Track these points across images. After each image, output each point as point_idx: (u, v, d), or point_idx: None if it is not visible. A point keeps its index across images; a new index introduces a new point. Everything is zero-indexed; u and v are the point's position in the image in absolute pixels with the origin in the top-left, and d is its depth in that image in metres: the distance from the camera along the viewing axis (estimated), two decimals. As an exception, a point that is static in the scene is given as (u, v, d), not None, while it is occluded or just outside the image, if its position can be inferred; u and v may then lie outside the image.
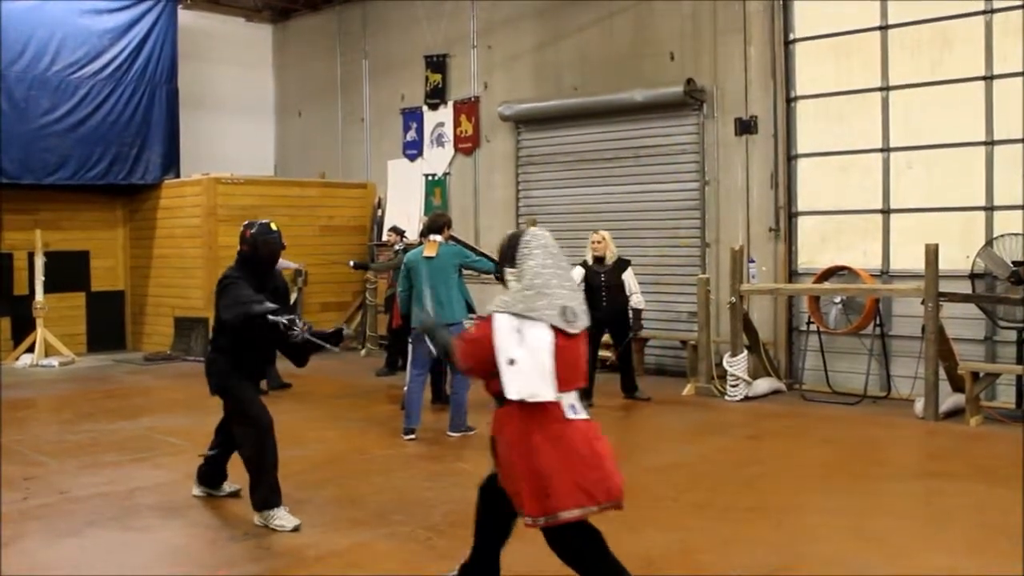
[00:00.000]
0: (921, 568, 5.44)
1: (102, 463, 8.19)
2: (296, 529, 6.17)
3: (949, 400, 9.78)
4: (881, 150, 11.07)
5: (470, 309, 9.48)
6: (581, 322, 4.45)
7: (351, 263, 14.29)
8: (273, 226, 6.51)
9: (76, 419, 10.29)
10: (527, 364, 4.30)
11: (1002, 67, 10.19)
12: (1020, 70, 10.07)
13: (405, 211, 15.86)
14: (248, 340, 6.34)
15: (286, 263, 12.81)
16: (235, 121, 17.66)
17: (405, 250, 12.56)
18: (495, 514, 4.83)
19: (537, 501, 4.34)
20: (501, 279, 10.09)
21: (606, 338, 10.88)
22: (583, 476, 4.33)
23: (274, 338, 6.27)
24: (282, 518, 6.24)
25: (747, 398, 10.74)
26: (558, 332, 4.36)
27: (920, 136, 10.76)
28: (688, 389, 11.24)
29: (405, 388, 9.39)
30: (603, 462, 4.41)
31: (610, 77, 13.28)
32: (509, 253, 4.59)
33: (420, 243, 10.20)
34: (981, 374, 9.65)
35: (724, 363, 10.93)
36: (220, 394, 6.59)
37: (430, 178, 15.89)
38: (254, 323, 6.07)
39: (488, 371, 4.41)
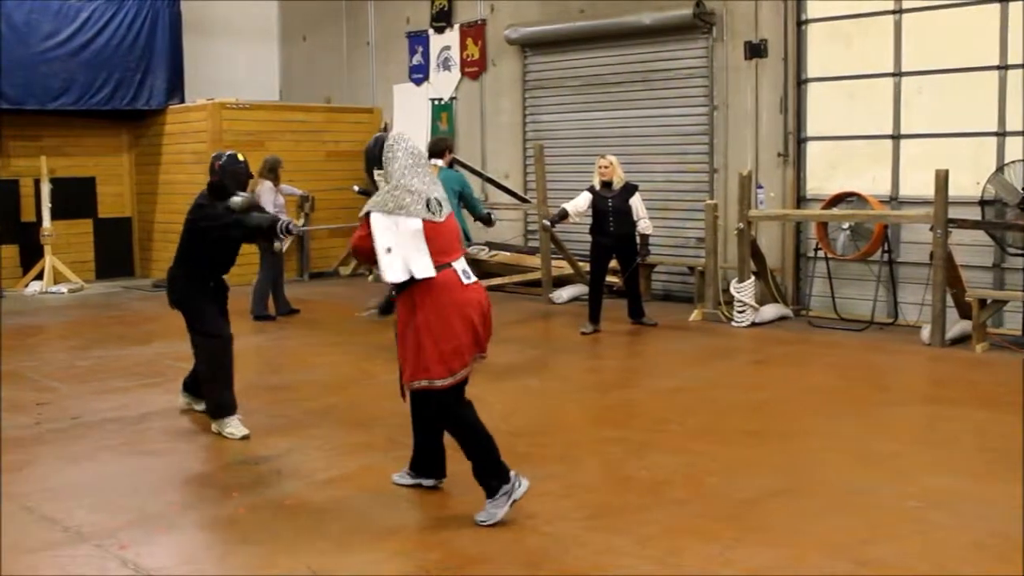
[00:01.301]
0: (923, 489, 5.51)
1: (112, 388, 8.26)
2: (246, 438, 6.61)
3: (956, 327, 9.79)
4: (892, 74, 10.94)
5: (466, 238, 9.47)
6: (445, 210, 5.09)
7: (355, 188, 14.23)
8: (240, 156, 6.92)
9: (86, 345, 10.36)
10: (402, 250, 4.93)
11: (1017, -11, 10.03)
12: (1035, -8, 9.92)
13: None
14: (215, 258, 6.90)
15: (291, 189, 12.78)
16: (240, 45, 17.48)
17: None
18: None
19: (443, 364, 4.97)
20: (487, 222, 10.25)
21: (613, 263, 10.86)
22: (467, 340, 5.05)
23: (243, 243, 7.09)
24: (233, 426, 6.70)
25: (754, 324, 10.76)
26: (426, 220, 4.99)
27: (932, 60, 10.62)
28: (695, 315, 11.26)
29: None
30: (487, 320, 5.19)
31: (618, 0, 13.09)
32: (376, 156, 5.17)
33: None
34: (988, 301, 9.65)
35: (731, 289, 10.95)
36: (179, 307, 6.96)
37: (436, 103, 15.76)
38: (264, 232, 6.68)
39: (374, 260, 5.04)
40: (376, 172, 5.15)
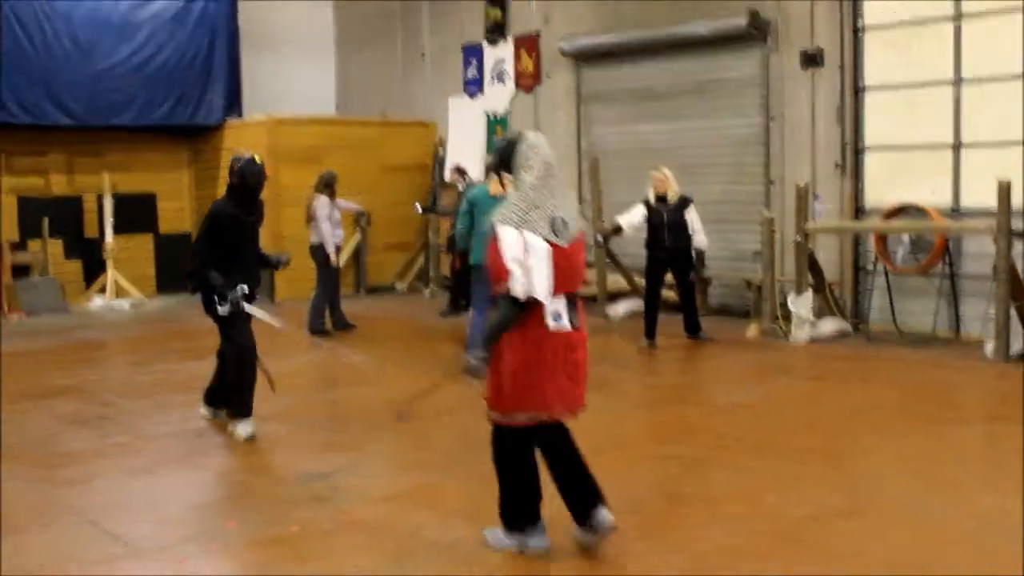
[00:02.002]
0: (982, 509, 5.39)
1: (173, 403, 8.37)
2: (251, 438, 7.00)
3: (1020, 341, 9.57)
4: (952, 82, 10.75)
5: None
6: (571, 231, 4.61)
7: (418, 208, 14.33)
8: (257, 159, 7.19)
9: (147, 359, 10.52)
10: (529, 266, 4.47)
11: (1083, -6, 9.83)
12: (1101, -3, 9.71)
13: (467, 149, 15.80)
14: (231, 260, 7.07)
15: (348, 204, 12.83)
16: (296, 59, 17.65)
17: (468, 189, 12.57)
18: (553, 456, 4.93)
19: (495, 396, 4.66)
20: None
21: (668, 277, 10.79)
22: (543, 384, 4.62)
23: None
24: (241, 427, 7.08)
25: (812, 339, 10.62)
26: (551, 243, 4.53)
27: (993, 67, 10.41)
28: (752, 329, 11.14)
29: (469, 328, 9.45)
30: (576, 371, 4.75)
31: (672, 10, 13.01)
32: (505, 159, 4.70)
33: (484, 182, 10.18)
34: (1054, 313, 9.45)
35: (788, 303, 10.81)
36: (211, 314, 7.22)
37: (491, 116, 15.79)
38: (200, 286, 7.12)
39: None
40: (505, 175, 4.72)
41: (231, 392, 7.26)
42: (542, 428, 4.74)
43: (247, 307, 7.10)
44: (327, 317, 11.77)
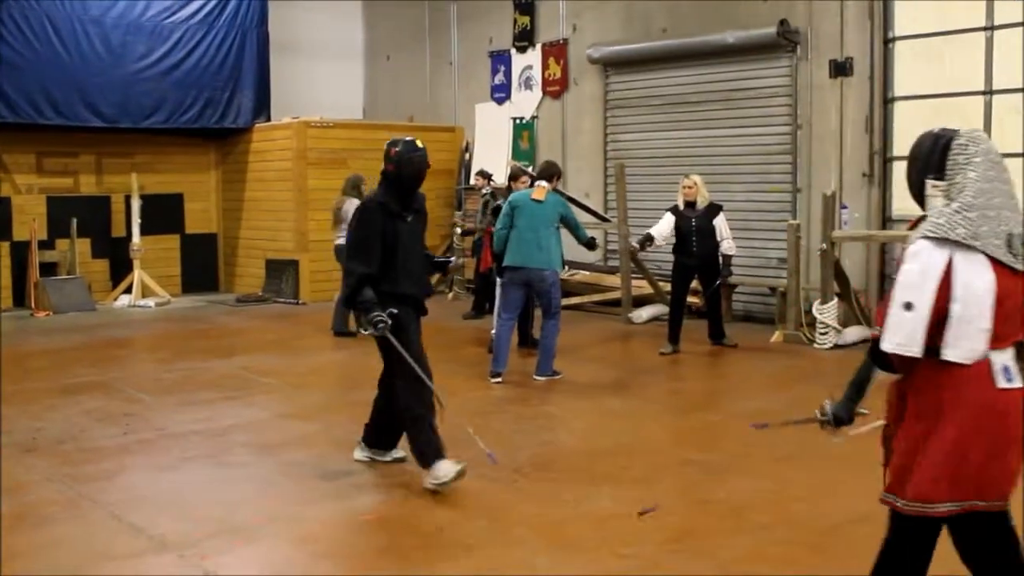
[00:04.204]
0: (1015, 513, 5.32)
1: (197, 401, 8.41)
2: (461, 473, 5.81)
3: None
4: (983, 92, 10.68)
5: (563, 261, 9.51)
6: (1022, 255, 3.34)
7: (457, 230, 14.30)
8: (419, 143, 6.06)
9: (172, 358, 10.57)
10: (966, 311, 3.26)
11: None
12: None
13: (493, 155, 15.82)
14: (388, 265, 5.86)
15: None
16: (325, 65, 17.74)
17: (492, 194, 12.58)
18: (987, 553, 3.58)
19: (904, 477, 3.52)
20: (591, 247, 9.91)
21: (695, 284, 10.77)
22: (988, 462, 3.36)
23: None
24: (443, 469, 5.80)
25: (836, 346, 10.56)
26: (999, 269, 3.29)
27: (1025, 78, 10.36)
28: (776, 336, 11.09)
29: (493, 331, 9.46)
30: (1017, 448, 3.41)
31: (701, 18, 13.01)
32: (936, 160, 3.44)
33: (509, 188, 10.20)
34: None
35: (813, 310, 10.76)
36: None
37: (518, 121, 15.81)
38: (354, 301, 5.84)
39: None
40: (931, 183, 3.43)
41: (409, 432, 6.01)
42: (969, 519, 3.45)
43: (392, 338, 5.83)
44: (351, 319, 11.79)
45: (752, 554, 4.92)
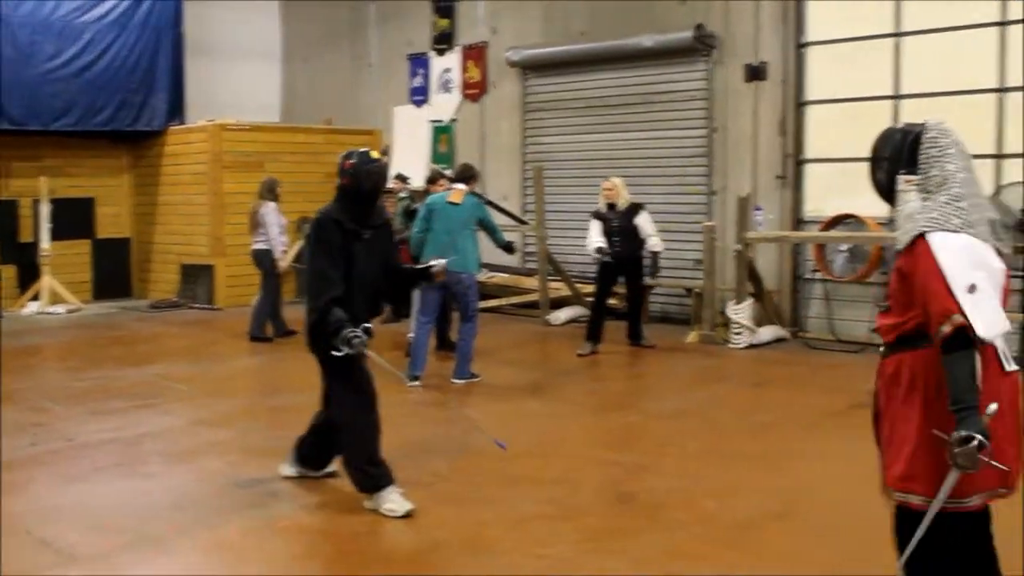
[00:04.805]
0: None
1: (109, 409, 8.23)
2: (410, 513, 5.49)
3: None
4: (892, 97, 10.96)
5: (480, 264, 9.50)
6: (1007, 240, 3.50)
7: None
8: (374, 154, 5.77)
9: (83, 366, 10.33)
10: (988, 291, 3.16)
11: (1017, 13, 10.06)
12: (1034, 15, 9.97)
13: (411, 158, 15.77)
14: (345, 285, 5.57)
15: (276, 236, 12.31)
16: (241, 66, 17.50)
17: (410, 197, 12.53)
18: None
19: (927, 475, 3.26)
20: (509, 250, 9.84)
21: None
22: (1004, 450, 3.20)
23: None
24: (392, 501, 5.52)
25: (751, 346, 10.74)
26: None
27: (931, 83, 10.63)
28: (692, 336, 11.24)
29: (410, 335, 9.43)
30: (1020, 434, 3.34)
31: (619, 22, 13.13)
32: (908, 154, 3.40)
33: (427, 191, 10.19)
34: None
35: (728, 311, 10.93)
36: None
37: (436, 124, 15.79)
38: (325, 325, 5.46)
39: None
40: (904, 178, 3.40)
41: (351, 454, 5.68)
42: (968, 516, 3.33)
43: (372, 354, 5.72)
44: (268, 324, 11.67)
45: (667, 551, 4.97)
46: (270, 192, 11.65)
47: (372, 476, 5.56)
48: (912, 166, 3.38)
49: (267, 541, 5.20)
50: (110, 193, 16.15)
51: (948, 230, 3.22)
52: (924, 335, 3.26)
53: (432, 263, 6.22)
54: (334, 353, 5.36)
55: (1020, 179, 9.82)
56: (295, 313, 12.68)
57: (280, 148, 15.14)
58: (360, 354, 5.53)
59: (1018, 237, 9.60)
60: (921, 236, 3.26)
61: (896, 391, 3.37)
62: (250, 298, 12.04)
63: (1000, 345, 3.27)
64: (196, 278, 14.97)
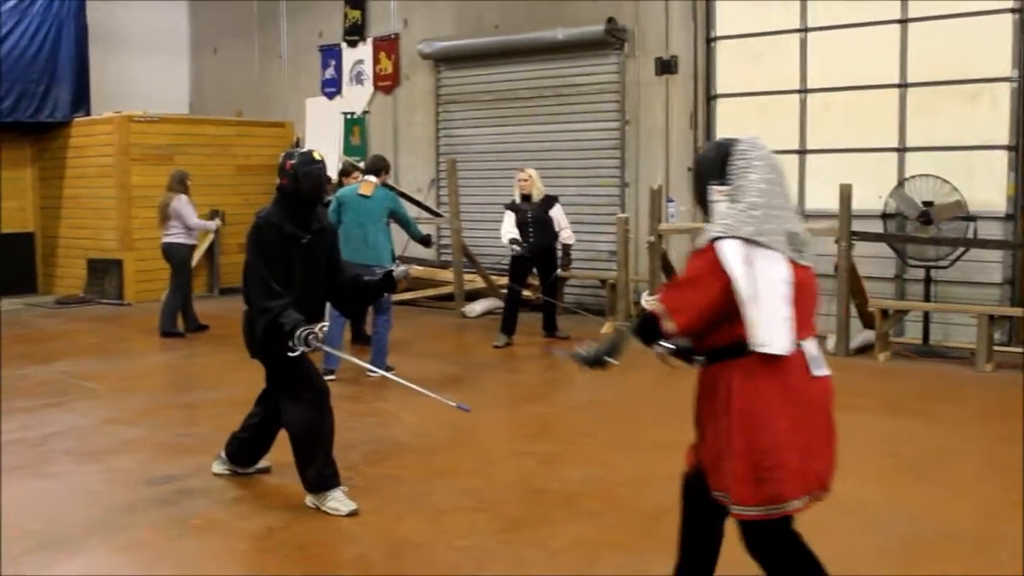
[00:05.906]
0: (832, 496, 5.59)
1: (14, 409, 8.01)
2: (355, 512, 5.45)
3: (859, 336, 10.03)
4: (799, 91, 11.19)
5: (393, 257, 9.40)
6: (809, 251, 3.54)
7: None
8: (316, 155, 5.64)
9: (-14, 364, 10.05)
10: (763, 304, 3.37)
11: (918, 11, 10.36)
12: (934, 14, 10.25)
13: (324, 151, 15.57)
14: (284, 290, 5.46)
15: (201, 223, 12.16)
16: (149, 58, 17.17)
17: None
18: (703, 514, 3.86)
19: (753, 486, 3.44)
20: (426, 244, 9.84)
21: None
22: (818, 453, 3.52)
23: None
24: (336, 500, 5.48)
25: (665, 336, 10.85)
26: (791, 263, 3.44)
27: (836, 78, 10.90)
28: (607, 327, 11.32)
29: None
30: (834, 435, 3.62)
31: (531, 15, 13.19)
32: (719, 166, 3.57)
33: (340, 183, 10.10)
34: (890, 311, 9.91)
35: (642, 301, 10.99)
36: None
37: (349, 116, 15.67)
38: (279, 330, 5.35)
39: (710, 320, 3.49)
40: (716, 189, 3.56)
41: (306, 454, 5.51)
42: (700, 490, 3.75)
43: (328, 348, 5.76)
44: (179, 319, 11.49)
45: (583, 540, 5.03)
46: (180, 184, 11.46)
47: (325, 477, 5.51)
48: (723, 177, 3.56)
49: (180, 540, 5.12)
50: (12, 186, 15.69)
51: (740, 237, 3.39)
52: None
53: (393, 268, 6.05)
54: (290, 354, 5.29)
55: (921, 172, 10.09)
56: (205, 307, 12.56)
57: (189, 140, 14.90)
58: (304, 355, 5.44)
59: (920, 229, 9.90)
60: (714, 241, 3.44)
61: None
62: (160, 293, 11.83)
63: (810, 350, 3.50)
64: (104, 273, 14.65)
